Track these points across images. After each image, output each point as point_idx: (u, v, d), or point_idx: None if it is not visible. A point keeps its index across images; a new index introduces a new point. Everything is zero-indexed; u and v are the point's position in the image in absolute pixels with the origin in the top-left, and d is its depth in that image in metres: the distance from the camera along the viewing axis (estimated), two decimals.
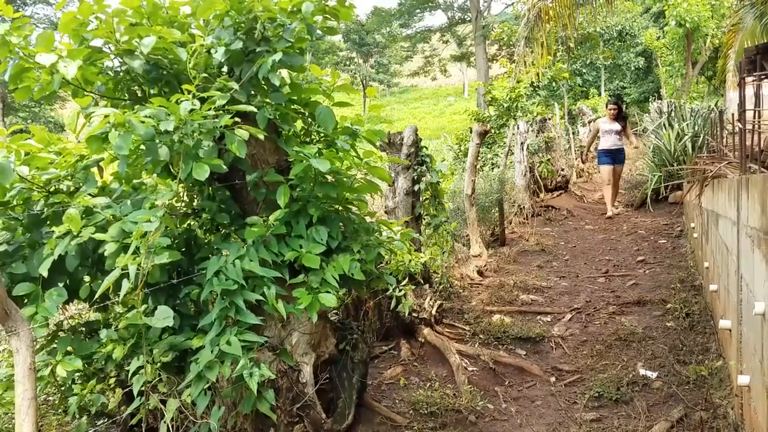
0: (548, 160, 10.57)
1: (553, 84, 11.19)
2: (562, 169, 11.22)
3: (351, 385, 3.11)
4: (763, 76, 4.44)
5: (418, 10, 45.58)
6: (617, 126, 9.21)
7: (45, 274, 2.26)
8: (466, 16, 44.44)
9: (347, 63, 48.62)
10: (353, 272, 2.73)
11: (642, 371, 3.82)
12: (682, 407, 3.33)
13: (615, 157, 9.29)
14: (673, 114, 9.83)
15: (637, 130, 14.72)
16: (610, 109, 9.27)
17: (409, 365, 4.12)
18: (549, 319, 4.99)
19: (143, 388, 2.39)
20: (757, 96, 4.69)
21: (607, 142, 9.23)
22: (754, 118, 4.60)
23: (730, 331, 3.21)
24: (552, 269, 6.66)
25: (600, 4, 10.21)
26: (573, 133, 13.71)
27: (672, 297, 5.09)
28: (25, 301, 2.35)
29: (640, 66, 25.68)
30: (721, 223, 3.83)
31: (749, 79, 4.57)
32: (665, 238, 7.70)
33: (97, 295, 2.30)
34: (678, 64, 21.33)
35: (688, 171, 6.83)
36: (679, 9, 19.11)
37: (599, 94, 23.45)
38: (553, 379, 3.92)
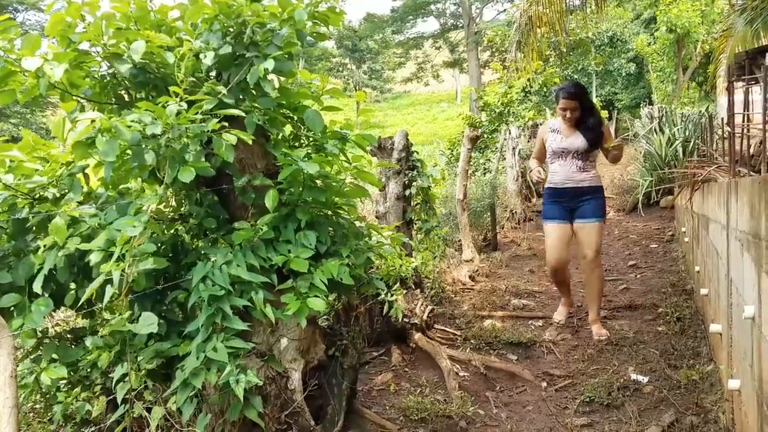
0: None
1: (545, 89, 11.24)
2: None
3: (341, 391, 3.08)
4: (752, 81, 4.47)
5: (411, 17, 45.87)
6: (580, 141, 4.38)
7: (39, 290, 2.23)
8: (458, 23, 44.73)
9: (340, 69, 48.84)
10: (342, 277, 2.71)
11: (633, 376, 3.81)
12: (673, 412, 3.33)
13: (572, 204, 4.50)
14: (664, 119, 9.91)
15: (627, 136, 14.79)
16: (563, 109, 4.35)
17: (400, 371, 4.09)
18: (541, 324, 4.98)
19: (128, 396, 2.35)
20: (747, 100, 4.72)
21: (558, 173, 4.52)
22: (744, 122, 4.62)
23: (721, 335, 3.21)
24: (544, 274, 6.65)
25: (591, 10, 10.26)
26: None
27: (663, 301, 5.10)
28: (12, 309, 2.32)
29: (632, 72, 25.90)
30: (711, 227, 3.84)
31: (739, 84, 4.61)
32: (657, 242, 7.72)
33: (80, 302, 2.27)
34: (669, 70, 21.53)
35: (679, 175, 6.87)
36: (669, 15, 19.31)
37: None
38: (544, 384, 3.91)
